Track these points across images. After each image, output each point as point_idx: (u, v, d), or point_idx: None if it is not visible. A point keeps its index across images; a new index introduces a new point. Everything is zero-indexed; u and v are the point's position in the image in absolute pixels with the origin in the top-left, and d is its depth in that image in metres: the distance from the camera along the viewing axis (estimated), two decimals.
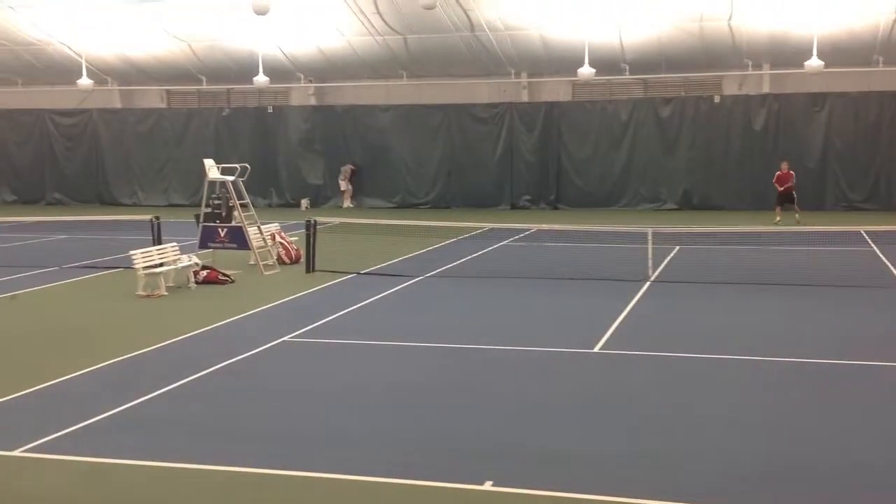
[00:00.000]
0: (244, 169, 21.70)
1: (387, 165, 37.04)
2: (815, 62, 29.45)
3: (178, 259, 19.16)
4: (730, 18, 30.38)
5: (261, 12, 26.50)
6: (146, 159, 39.57)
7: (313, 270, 20.38)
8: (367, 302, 16.90)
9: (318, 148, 37.84)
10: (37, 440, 9.36)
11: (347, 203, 36.84)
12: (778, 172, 29.34)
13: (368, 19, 32.28)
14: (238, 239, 20.89)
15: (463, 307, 16.65)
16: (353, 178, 36.97)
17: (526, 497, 7.92)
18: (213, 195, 21.24)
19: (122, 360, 12.76)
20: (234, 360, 12.66)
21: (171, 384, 11.42)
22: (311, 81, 38.14)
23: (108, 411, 10.32)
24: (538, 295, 17.65)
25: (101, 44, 35.75)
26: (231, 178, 21.14)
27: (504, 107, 36.10)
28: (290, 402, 10.83)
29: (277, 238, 22.19)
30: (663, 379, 11.68)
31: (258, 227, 21.53)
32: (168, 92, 40.67)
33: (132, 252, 18.56)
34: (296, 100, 39.25)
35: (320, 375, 12.12)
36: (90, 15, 33.32)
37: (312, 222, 20.90)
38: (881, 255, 21.59)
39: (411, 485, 8.24)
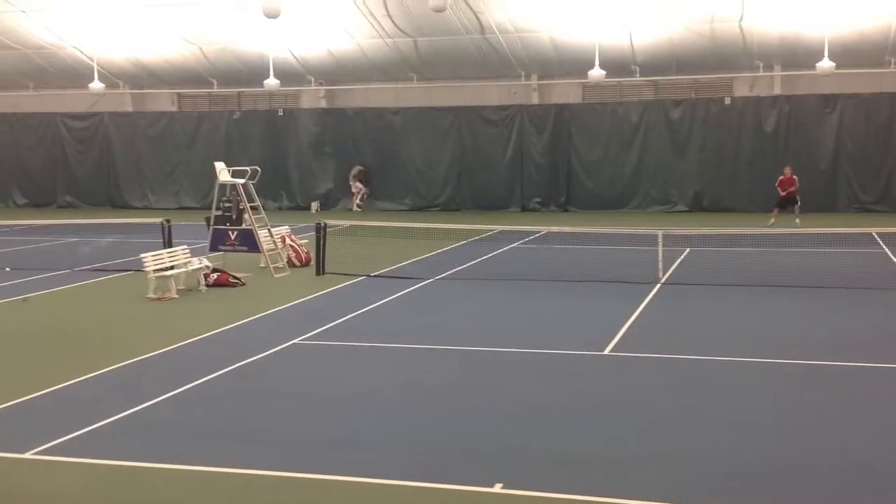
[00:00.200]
0: (255, 172, 21.75)
1: (397, 168, 37.07)
2: (826, 63, 29.36)
3: (189, 262, 19.19)
4: (741, 20, 30.31)
5: (271, 15, 26.52)
6: (157, 162, 39.71)
7: (323, 273, 20.40)
8: (377, 304, 16.91)
9: (329, 151, 37.91)
10: (48, 442, 9.39)
11: (354, 206, 36.80)
12: (781, 177, 29.27)
13: (378, 22, 32.31)
14: (248, 242, 20.93)
15: (473, 309, 16.64)
16: (364, 180, 36.95)
17: (536, 500, 7.91)
18: (224, 198, 21.30)
19: (133, 362, 12.79)
20: (244, 362, 12.68)
21: (181, 387, 11.44)
22: (321, 84, 38.20)
23: (118, 414, 10.34)
24: (548, 297, 17.63)
25: (113, 47, 35.87)
26: (242, 180, 21.19)
27: (514, 109, 36.10)
28: (300, 405, 10.84)
29: (288, 241, 22.22)
30: (673, 381, 11.65)
31: (268, 229, 21.56)
32: (179, 95, 40.79)
33: (143, 255, 18.60)
34: (306, 103, 39.31)
35: (330, 378, 12.13)
36: (102, 19, 33.43)
37: (322, 225, 20.92)
38: (892, 257, 21.51)
39: (422, 487, 8.24)
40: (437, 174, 36.83)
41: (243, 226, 21.12)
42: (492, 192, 36.09)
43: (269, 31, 32.47)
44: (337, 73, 37.09)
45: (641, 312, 15.88)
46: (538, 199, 35.99)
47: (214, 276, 19.39)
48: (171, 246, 20.98)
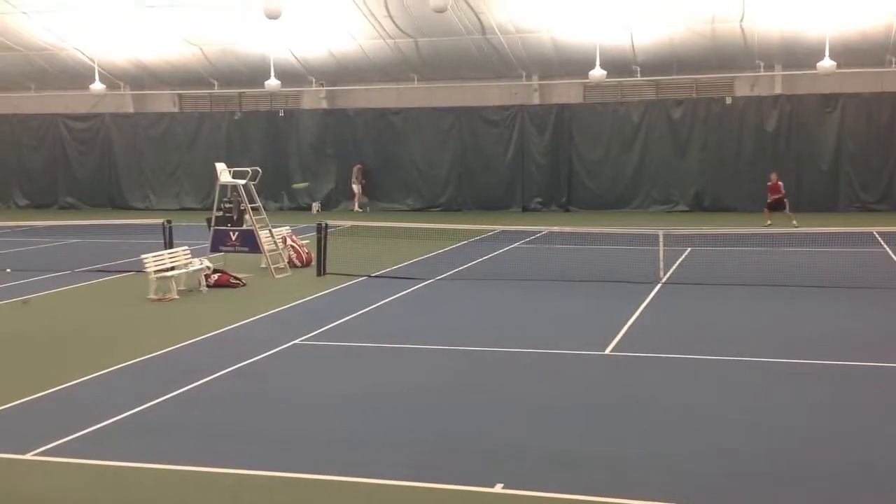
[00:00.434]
0: (255, 172, 21.76)
1: (398, 168, 37.09)
2: (827, 63, 29.37)
3: (190, 263, 19.20)
4: (741, 20, 30.31)
5: (272, 16, 26.53)
6: (158, 163, 39.74)
7: (324, 273, 20.40)
8: (378, 304, 16.91)
9: (330, 151, 37.93)
10: (48, 443, 9.39)
11: (356, 206, 36.81)
12: (769, 183, 29.30)
13: (379, 23, 32.32)
14: (249, 242, 20.95)
15: (474, 309, 16.64)
16: (364, 179, 36.94)
17: (537, 500, 7.90)
18: (225, 199, 21.30)
19: (134, 363, 12.79)
20: (245, 363, 12.68)
21: (182, 387, 11.45)
22: (322, 85, 38.21)
23: (119, 415, 10.34)
24: (549, 297, 17.63)
25: (114, 48, 35.90)
26: (242, 181, 21.20)
27: (515, 109, 36.11)
28: (300, 405, 10.84)
29: (289, 241, 22.22)
30: (674, 381, 11.65)
31: (269, 230, 21.57)
32: (180, 96, 40.82)
33: (144, 256, 18.61)
34: (307, 103, 39.32)
35: (331, 378, 12.12)
36: (103, 20, 33.46)
37: (323, 225, 20.93)
38: (894, 257, 21.50)
39: (422, 487, 8.23)
40: (439, 174, 36.84)
41: (244, 226, 21.12)
42: (493, 192, 36.10)
43: (269, 32, 32.49)
44: (338, 73, 37.10)
45: (642, 312, 15.87)
46: (539, 200, 36.00)
47: (215, 276, 19.39)
48: (172, 247, 21.00)
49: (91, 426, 9.95)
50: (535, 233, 26.64)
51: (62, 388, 11.53)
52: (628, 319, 15.19)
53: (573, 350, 13.30)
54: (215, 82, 38.32)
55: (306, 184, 35.78)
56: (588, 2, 30.03)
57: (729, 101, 34.24)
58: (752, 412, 10.23)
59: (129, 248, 23.95)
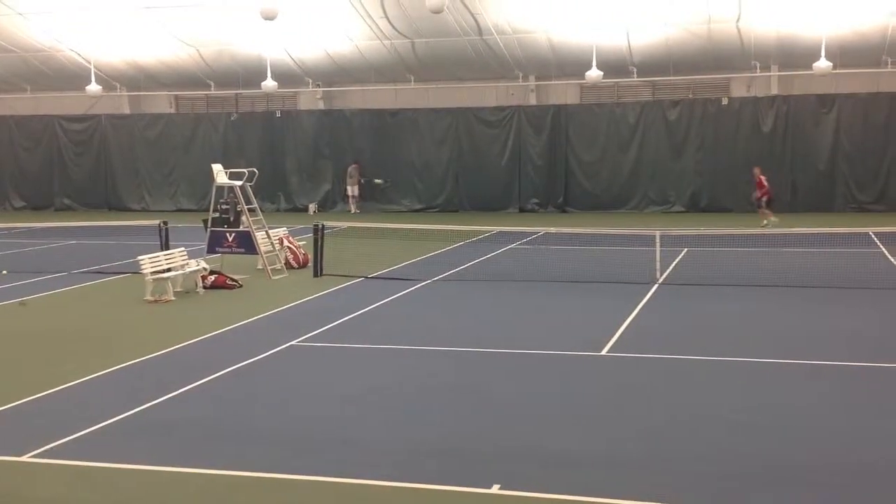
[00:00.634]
0: (252, 174, 21.75)
1: (395, 169, 37.07)
2: (823, 63, 29.41)
3: (186, 264, 19.19)
4: (738, 20, 30.33)
5: (268, 17, 26.54)
6: (154, 164, 39.73)
7: (321, 274, 20.40)
8: (374, 306, 16.91)
9: (326, 152, 37.93)
10: (45, 445, 9.38)
11: (353, 208, 36.80)
12: (755, 180, 29.41)
13: (376, 23, 32.32)
14: (246, 243, 20.93)
15: (470, 311, 16.64)
16: (362, 179, 36.88)
17: (534, 500, 7.91)
18: (222, 200, 21.30)
19: (130, 365, 12.78)
20: (241, 364, 12.67)
21: (178, 389, 11.44)
22: (319, 86, 38.19)
23: (115, 416, 10.34)
24: (546, 298, 17.64)
25: (110, 50, 35.87)
26: (239, 182, 21.19)
27: (512, 110, 36.13)
28: (297, 406, 10.84)
29: (285, 242, 22.21)
30: (671, 382, 11.65)
31: (266, 231, 21.56)
32: (176, 97, 40.79)
33: (140, 257, 18.60)
34: (304, 104, 39.30)
35: (328, 379, 12.12)
36: (99, 21, 33.42)
37: (320, 226, 20.92)
38: (890, 257, 21.52)
39: (418, 488, 8.23)
40: (435, 175, 36.84)
41: (241, 228, 21.11)
42: (489, 193, 36.11)
43: (266, 33, 32.48)
44: (334, 74, 37.10)
45: (639, 313, 15.89)
46: (536, 200, 36.02)
47: (212, 278, 19.38)
48: (168, 248, 20.97)
49: (88, 428, 9.94)
50: (531, 234, 26.65)
51: (59, 390, 11.52)
52: (625, 320, 15.20)
53: (570, 351, 13.30)
54: (211, 83, 38.30)
55: (386, 182, 35.89)
56: (584, 3, 30.04)
57: (725, 101, 34.28)
58: (750, 412, 10.24)
59: (126, 250, 23.91)
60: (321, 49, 34.90)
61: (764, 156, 33.36)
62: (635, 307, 16.27)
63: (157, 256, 19.09)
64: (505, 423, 10.07)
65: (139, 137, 39.66)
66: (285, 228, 23.40)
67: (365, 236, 25.07)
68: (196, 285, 19.09)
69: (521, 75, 35.91)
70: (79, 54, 36.33)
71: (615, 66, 32.82)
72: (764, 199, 28.83)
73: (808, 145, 33.39)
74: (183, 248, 19.99)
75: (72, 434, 9.73)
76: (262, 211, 22.78)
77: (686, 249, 23.11)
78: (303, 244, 22.72)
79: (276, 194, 37.87)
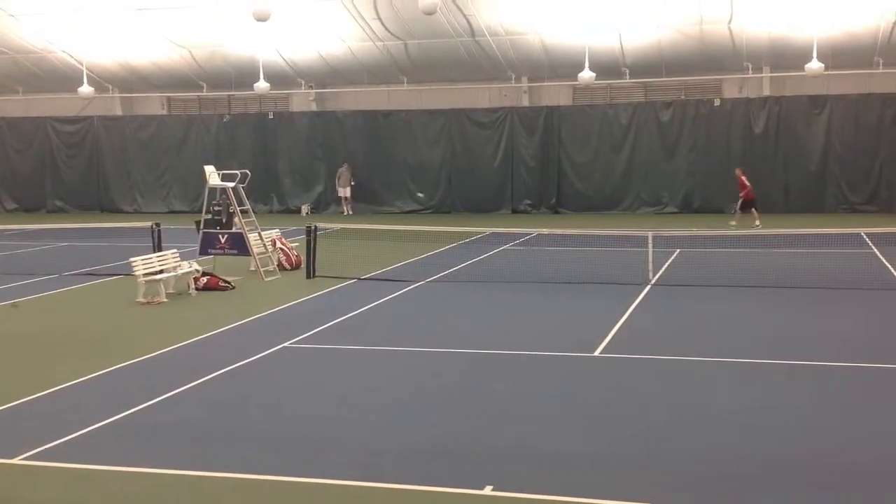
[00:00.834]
0: (245, 175, 21.72)
1: (388, 170, 37.06)
2: (815, 65, 29.48)
3: (179, 266, 19.15)
4: (730, 21, 30.38)
5: (261, 18, 26.50)
6: (147, 166, 39.65)
7: (314, 276, 20.38)
8: (367, 307, 16.90)
9: (319, 154, 37.89)
10: (37, 447, 9.36)
11: (347, 210, 36.77)
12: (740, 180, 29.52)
13: (369, 25, 32.30)
14: (238, 245, 20.90)
15: (463, 312, 16.65)
16: (353, 181, 36.81)
17: (526, 501, 7.91)
18: (214, 201, 21.27)
19: (123, 366, 12.76)
20: (234, 366, 12.65)
21: (171, 391, 11.42)
22: (311, 87, 38.17)
23: (108, 418, 10.32)
24: (539, 299, 17.65)
25: (102, 51, 35.78)
26: (231, 184, 21.16)
27: (505, 111, 36.14)
28: (289, 408, 10.83)
29: (278, 244, 22.18)
30: (664, 382, 11.67)
31: (259, 233, 21.54)
32: (169, 99, 40.72)
33: (132, 259, 18.56)
34: (296, 106, 39.27)
35: (321, 381, 12.11)
36: (91, 23, 33.34)
37: (313, 228, 20.91)
38: (881, 257, 21.58)
39: (411, 490, 8.24)
40: (428, 177, 36.83)
41: (233, 229, 21.08)
42: (482, 194, 36.11)
43: (259, 34, 32.43)
44: (327, 75, 37.08)
45: (632, 314, 15.90)
46: (528, 202, 36.04)
47: (204, 279, 19.36)
48: (160, 250, 20.91)
49: (80, 430, 9.92)
50: (524, 235, 26.65)
51: (51, 392, 11.49)
52: (618, 321, 15.21)
53: (563, 352, 13.31)
54: (204, 85, 38.24)
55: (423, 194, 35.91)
56: (577, 4, 30.06)
57: (717, 102, 34.34)
58: (744, 413, 10.25)
59: (118, 252, 23.86)
60: (314, 50, 34.88)
61: (756, 156, 33.50)
62: (628, 308, 16.29)
63: (150, 258, 19.07)
64: (498, 423, 10.07)
65: (131, 139, 39.59)
66: (278, 230, 23.36)
67: (358, 238, 25.05)
68: (188, 287, 19.06)
69: (513, 77, 35.92)
70: (71, 56, 36.25)
71: (607, 67, 32.86)
72: (741, 200, 29.03)
73: (799, 146, 33.46)
74: (175, 250, 19.94)
75: (65, 436, 9.71)
76: (254, 212, 22.75)
77: (679, 250, 23.15)
78: (295, 245, 22.69)
79: (269, 196, 37.85)
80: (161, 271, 18.71)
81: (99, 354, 13.46)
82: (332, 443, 9.51)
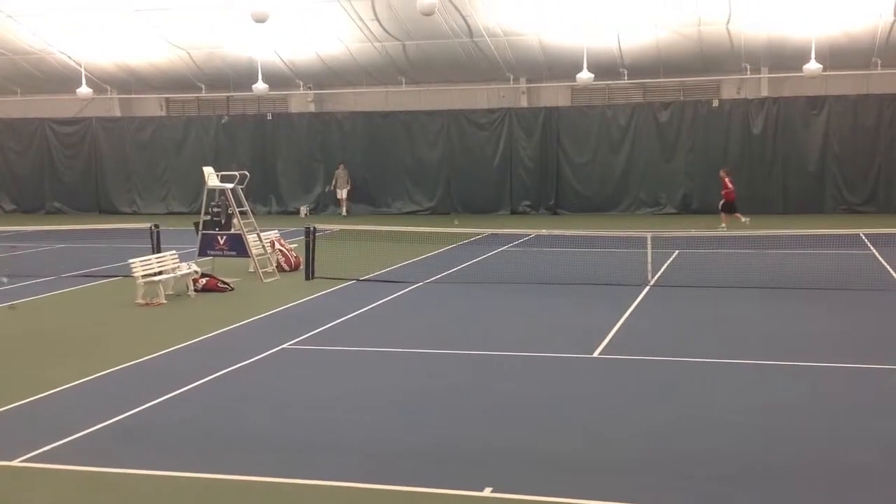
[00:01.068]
0: (243, 176, 21.72)
1: (386, 172, 37.06)
2: (813, 65, 29.50)
3: (178, 267, 19.14)
4: (728, 22, 30.41)
5: (260, 20, 26.50)
6: (145, 167, 39.62)
7: (313, 277, 20.37)
8: (366, 308, 16.90)
9: (318, 155, 37.87)
10: (36, 450, 9.35)
11: (345, 210, 36.74)
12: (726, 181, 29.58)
13: (367, 26, 32.31)
14: (237, 246, 20.90)
15: (462, 313, 16.64)
16: (349, 181, 36.74)
17: (526, 503, 7.91)
18: (213, 203, 21.26)
19: (121, 368, 12.75)
20: (233, 367, 12.65)
21: (170, 392, 11.42)
22: (310, 88, 38.18)
23: (106, 420, 10.31)
24: (537, 300, 17.64)
25: (101, 52, 35.78)
26: (230, 185, 21.16)
27: (503, 112, 36.14)
28: (288, 410, 10.82)
29: (277, 245, 22.17)
30: (663, 384, 11.66)
31: (257, 234, 21.53)
32: (167, 100, 40.71)
33: (131, 260, 18.55)
34: (295, 107, 39.27)
35: (320, 382, 12.11)
36: (89, 24, 33.34)
37: (312, 229, 20.91)
38: (880, 258, 21.58)
39: (411, 491, 8.23)
40: (427, 178, 36.83)
41: (232, 230, 21.08)
42: (481, 195, 36.12)
43: (257, 36, 32.43)
44: (326, 76, 37.08)
45: (631, 315, 15.90)
46: (527, 202, 36.05)
47: (203, 281, 19.35)
48: (159, 251, 20.90)
49: (79, 432, 9.91)
50: (523, 236, 26.65)
51: (50, 394, 11.49)
52: (616, 322, 15.22)
53: (561, 353, 13.31)
54: (202, 86, 38.23)
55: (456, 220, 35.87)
56: (575, 5, 30.08)
57: (716, 103, 34.35)
58: (744, 413, 10.26)
59: (117, 253, 23.85)
60: (312, 51, 34.88)
61: (754, 157, 33.53)
62: (627, 309, 16.29)
63: (149, 259, 19.05)
64: (497, 425, 10.07)
65: (130, 140, 39.55)
66: (277, 231, 23.36)
67: (356, 239, 25.04)
68: (187, 288, 19.06)
69: (511, 77, 35.93)
70: (69, 57, 36.24)
71: (606, 68, 32.86)
72: (723, 201, 29.12)
73: (798, 147, 33.47)
74: (174, 252, 19.93)
75: (63, 438, 9.70)
76: (253, 214, 22.75)
77: (677, 251, 23.15)
78: (294, 247, 22.69)
79: (268, 197, 37.84)
80: (160, 273, 18.71)
81: (98, 356, 13.45)
82: (331, 444, 9.51)
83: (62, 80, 37.45)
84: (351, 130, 37.41)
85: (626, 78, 34.28)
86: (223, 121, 38.91)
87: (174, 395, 11.33)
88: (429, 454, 9.19)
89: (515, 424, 10.11)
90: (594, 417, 10.35)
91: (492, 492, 8.10)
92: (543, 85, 36.32)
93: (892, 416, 10.19)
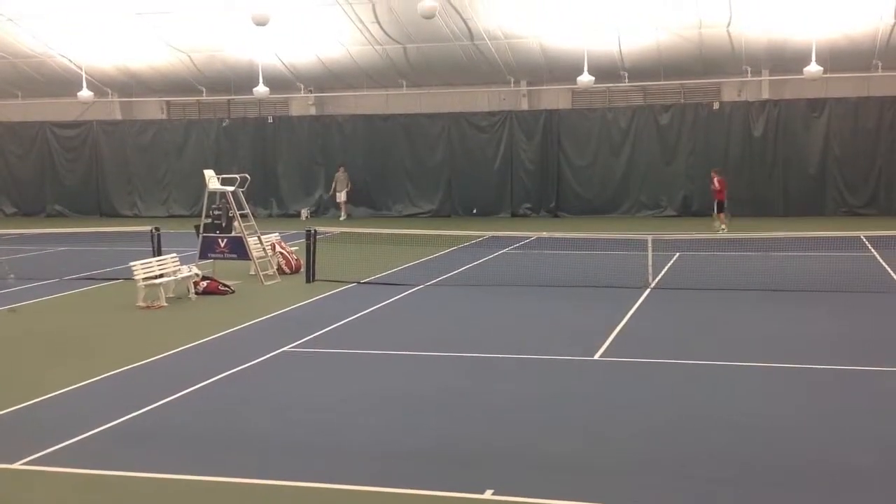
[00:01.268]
0: (244, 179, 21.73)
1: (387, 175, 37.09)
2: (813, 68, 29.50)
3: (178, 270, 19.16)
4: (728, 25, 30.43)
5: (260, 23, 26.53)
6: (146, 170, 39.66)
7: (313, 280, 20.38)
8: (367, 311, 16.90)
9: (319, 158, 37.90)
10: (37, 452, 9.35)
11: (344, 214, 36.72)
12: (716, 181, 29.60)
13: (368, 29, 32.34)
14: (238, 249, 20.90)
15: (463, 315, 16.64)
16: (348, 184, 36.69)
17: None
18: (214, 206, 21.26)
19: (122, 371, 12.76)
20: (234, 370, 12.65)
21: (170, 395, 11.41)
22: (310, 91, 38.21)
23: (107, 423, 10.31)
24: (538, 303, 17.64)
25: (102, 56, 35.82)
26: (231, 188, 21.16)
27: (504, 115, 36.17)
28: (289, 413, 10.82)
29: (277, 248, 22.19)
30: (664, 386, 11.66)
31: (258, 237, 21.54)
32: (168, 103, 40.75)
33: (132, 263, 18.56)
34: (295, 110, 39.31)
35: (320, 385, 12.11)
36: (90, 27, 33.38)
37: (313, 232, 20.91)
38: (881, 261, 21.58)
39: (412, 494, 8.23)
40: (428, 180, 36.86)
41: (233, 233, 21.08)
42: (482, 197, 36.13)
43: (258, 39, 32.46)
44: (326, 79, 37.11)
45: (631, 317, 15.90)
46: (528, 205, 36.08)
47: (204, 283, 19.36)
48: (160, 254, 20.92)
49: (80, 435, 9.91)
50: (524, 238, 26.67)
51: (51, 397, 11.49)
52: (617, 325, 15.21)
53: (562, 356, 13.30)
54: (203, 89, 38.26)
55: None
56: (575, 8, 30.10)
57: (716, 106, 34.38)
58: (744, 415, 10.25)
59: (118, 256, 23.86)
60: (313, 54, 34.91)
61: (755, 160, 33.57)
62: (628, 312, 16.29)
63: (150, 262, 19.06)
64: (498, 427, 10.07)
65: (131, 143, 39.59)
66: (277, 234, 23.38)
67: (357, 242, 25.04)
68: (188, 291, 19.06)
69: (512, 80, 35.97)
70: (70, 60, 36.28)
71: (606, 71, 32.88)
72: (716, 202, 29.16)
73: (798, 149, 33.49)
74: (175, 254, 19.94)
75: (64, 441, 9.70)
76: (254, 216, 22.75)
77: (678, 254, 23.15)
78: (295, 249, 22.71)
79: (269, 200, 37.87)
80: (161, 275, 18.71)
81: (99, 359, 13.46)
82: (331, 447, 9.51)
83: (63, 83, 37.49)
84: (352, 133, 37.44)
85: (626, 80, 34.30)
86: (224, 124, 38.94)
87: (175, 398, 11.33)
88: (430, 456, 9.19)
89: (516, 427, 10.10)
90: (595, 419, 10.35)
91: (493, 494, 8.10)
92: (544, 87, 36.36)
93: (891, 418, 10.19)
